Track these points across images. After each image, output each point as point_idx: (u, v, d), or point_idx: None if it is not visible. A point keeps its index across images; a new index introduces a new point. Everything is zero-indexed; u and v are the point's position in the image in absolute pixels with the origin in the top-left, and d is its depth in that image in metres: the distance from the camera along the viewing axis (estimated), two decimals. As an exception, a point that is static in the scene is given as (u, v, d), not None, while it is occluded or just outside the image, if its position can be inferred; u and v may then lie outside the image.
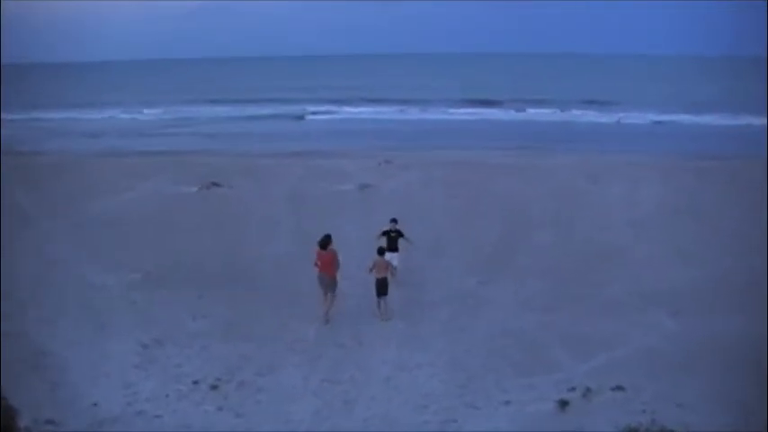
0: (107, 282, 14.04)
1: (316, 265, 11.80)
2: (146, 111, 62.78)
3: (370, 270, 12.09)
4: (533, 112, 58.24)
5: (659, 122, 49.52)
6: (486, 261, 15.19)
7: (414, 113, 59.16)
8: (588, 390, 9.39)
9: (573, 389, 9.44)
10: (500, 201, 21.08)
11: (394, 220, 13.77)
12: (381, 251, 12.47)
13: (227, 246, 16.41)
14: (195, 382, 9.85)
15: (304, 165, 28.16)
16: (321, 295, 11.95)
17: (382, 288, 12.09)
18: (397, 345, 11.02)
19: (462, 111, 60.39)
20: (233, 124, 53.00)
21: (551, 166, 27.59)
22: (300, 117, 57.51)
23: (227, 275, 14.28)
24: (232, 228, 18.21)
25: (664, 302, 12.71)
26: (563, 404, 9.09)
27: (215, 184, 23.68)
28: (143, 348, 10.93)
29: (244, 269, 14.70)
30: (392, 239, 13.54)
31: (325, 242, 11.82)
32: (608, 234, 17.46)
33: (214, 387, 9.75)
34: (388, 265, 12.33)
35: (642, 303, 12.72)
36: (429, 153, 32.25)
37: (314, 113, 59.51)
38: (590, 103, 62.72)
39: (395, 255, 13.52)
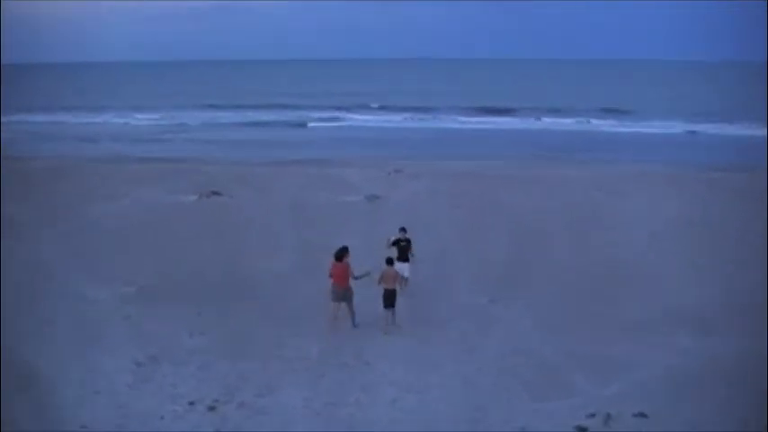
0: (100, 295, 13.98)
1: (330, 276, 12.04)
2: (141, 115, 63.21)
3: (379, 282, 12.09)
4: (548, 122, 58.24)
5: (692, 132, 49.27)
6: (497, 277, 15.17)
7: (423, 122, 59.35)
8: (608, 416, 9.26)
9: (592, 415, 9.31)
10: (514, 213, 21.19)
11: (403, 229, 13.84)
12: (390, 261, 12.49)
13: (226, 258, 16.42)
14: (191, 403, 9.73)
15: (308, 174, 28.37)
16: (331, 308, 12.11)
17: (390, 300, 12.14)
18: (404, 364, 10.92)
19: (474, 119, 60.50)
20: (233, 131, 53.36)
21: (565, 177, 27.78)
22: (304, 124, 57.77)
23: (227, 289, 14.24)
24: (232, 239, 18.24)
25: (686, 321, 12.63)
26: (582, 431, 8.96)
27: (215, 193, 23.84)
28: (137, 366, 10.83)
29: (244, 283, 14.66)
30: (402, 249, 13.61)
31: (341, 254, 12.06)
32: (626, 249, 17.48)
33: (212, 408, 9.66)
34: (397, 275, 12.36)
35: (663, 322, 12.63)
36: (440, 163, 32.53)
37: (318, 120, 59.63)
38: (607, 112, 62.80)
39: (405, 265, 13.57)
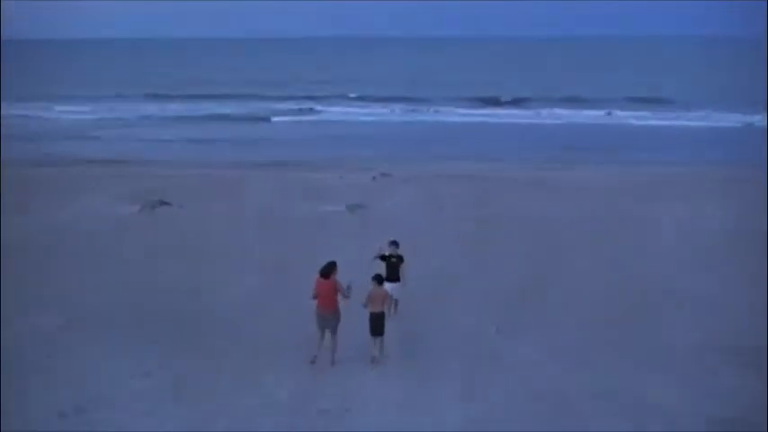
0: (19, 329, 13.73)
1: (315, 297, 12.16)
2: (66, 107, 62.60)
3: (366, 304, 12.29)
4: (564, 114, 59.06)
5: (748, 124, 49.68)
6: (507, 302, 15.34)
7: (413, 115, 60.02)
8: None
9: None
10: (526, 225, 21.51)
11: (394, 243, 14.00)
12: (380, 280, 12.58)
13: (176, 283, 16.46)
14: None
15: (276, 179, 28.59)
16: (317, 337, 12.25)
17: (378, 325, 12.33)
18: (396, 408, 10.90)
19: (476, 112, 61.40)
20: (183, 126, 53.59)
21: (587, 181, 28.46)
22: (267, 118, 58.05)
23: (179, 320, 14.23)
24: (185, 259, 18.30)
25: (739, 355, 12.68)
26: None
27: (163, 203, 24.01)
28: (59, 418, 10.52)
29: (198, 313, 14.66)
30: (392, 267, 13.79)
31: (329, 270, 12.15)
32: (661, 266, 17.78)
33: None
34: (386, 297, 12.56)
35: (709, 358, 12.73)
36: (436, 165, 32.94)
37: (286, 114, 60.08)
38: (635, 102, 63.58)
39: (396, 285, 13.78)
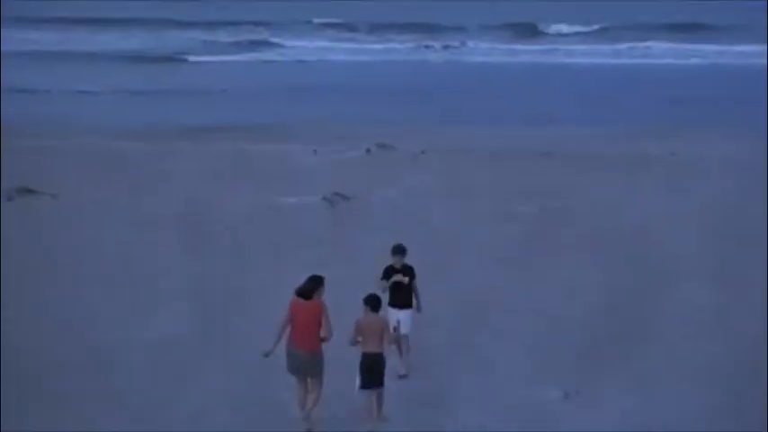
0: None
1: (289, 323, 12.28)
2: None
3: (354, 341, 12.40)
4: (660, 49, 59.46)
5: None
6: (580, 350, 14.96)
7: (426, 53, 60.14)
8: None
9: None
10: (610, 232, 21.36)
11: (400, 250, 14.19)
12: (374, 303, 12.54)
13: (44, 311, 16.42)
14: None
15: (208, 154, 28.73)
16: (297, 389, 12.43)
17: (374, 372, 12.27)
18: None
19: (521, 47, 61.58)
20: (61, 68, 53.16)
21: (720, 158, 28.21)
22: (194, 56, 57.47)
23: (50, 375, 13.94)
24: (54, 284, 17.95)
25: None
26: None
27: (26, 191, 24.16)
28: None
29: (85, 365, 14.29)
30: (398, 285, 14.07)
31: (312, 288, 12.29)
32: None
33: None
34: (384, 328, 12.50)
35: None
36: (462, 132, 32.82)
37: (227, 50, 59.99)
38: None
39: (404, 313, 14.03)
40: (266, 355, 12.19)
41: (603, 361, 14.65)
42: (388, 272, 14.00)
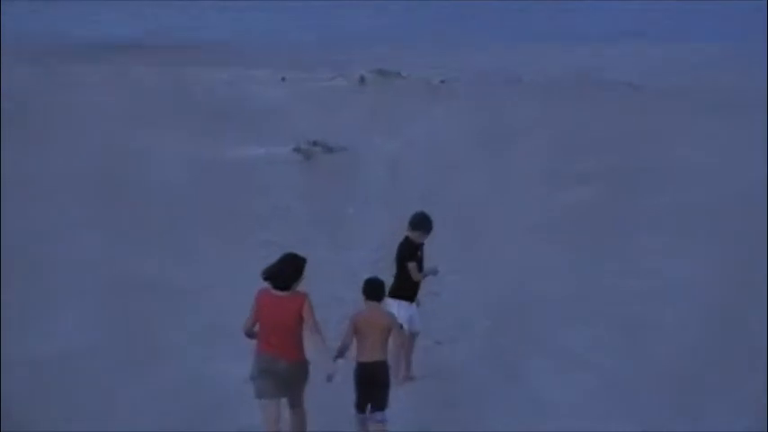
0: None
1: (249, 334, 10.68)
2: None
3: (346, 346, 11.07)
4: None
5: None
6: (679, 383, 12.56)
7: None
8: None
9: None
10: (699, 195, 19.71)
11: (426, 222, 12.86)
12: (377, 291, 11.15)
13: None
14: None
15: (134, 82, 27.07)
16: (266, 412, 10.67)
17: (372, 390, 10.96)
18: None
19: None
20: None
21: None
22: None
23: None
24: None
25: None
26: None
27: None
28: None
29: None
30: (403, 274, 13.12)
31: (287, 273, 10.62)
32: None
33: None
34: (391, 326, 11.08)
35: None
36: (495, 53, 30.97)
37: None
38: None
39: (412, 306, 12.80)
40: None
41: (704, 389, 12.26)
42: (414, 251, 12.54)
